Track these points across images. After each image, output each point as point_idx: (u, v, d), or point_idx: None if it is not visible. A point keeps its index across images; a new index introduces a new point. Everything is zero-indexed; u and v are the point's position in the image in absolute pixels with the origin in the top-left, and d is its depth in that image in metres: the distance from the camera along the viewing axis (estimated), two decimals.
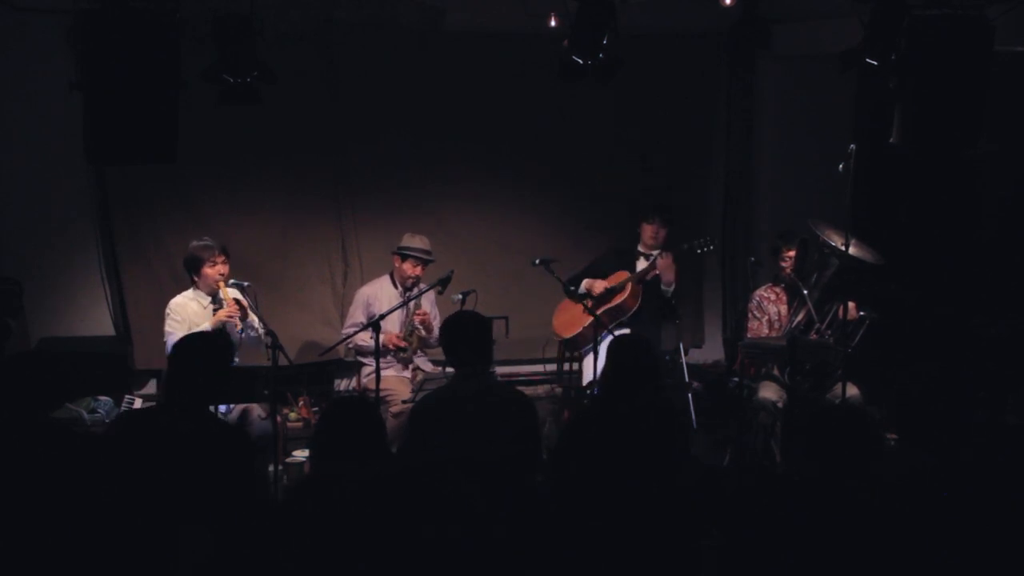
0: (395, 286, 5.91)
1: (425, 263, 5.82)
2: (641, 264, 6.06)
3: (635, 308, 5.95)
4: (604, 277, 6.08)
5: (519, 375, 6.81)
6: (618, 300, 5.94)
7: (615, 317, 5.93)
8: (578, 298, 5.86)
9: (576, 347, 6.10)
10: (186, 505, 3.12)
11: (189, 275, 5.52)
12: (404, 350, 5.84)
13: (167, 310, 5.45)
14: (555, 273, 5.80)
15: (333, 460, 3.01)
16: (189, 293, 5.51)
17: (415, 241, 5.83)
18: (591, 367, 5.67)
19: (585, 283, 6.07)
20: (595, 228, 6.99)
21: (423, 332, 5.83)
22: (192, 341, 3.65)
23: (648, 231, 6.06)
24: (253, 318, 5.43)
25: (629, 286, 5.93)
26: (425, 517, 2.68)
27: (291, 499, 3.16)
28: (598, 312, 5.81)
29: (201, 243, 5.48)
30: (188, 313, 5.41)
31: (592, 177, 7.04)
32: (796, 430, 5.30)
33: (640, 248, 6.14)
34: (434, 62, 6.71)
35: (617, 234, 6.58)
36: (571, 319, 6.06)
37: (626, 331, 5.75)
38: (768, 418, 5.35)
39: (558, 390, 6.41)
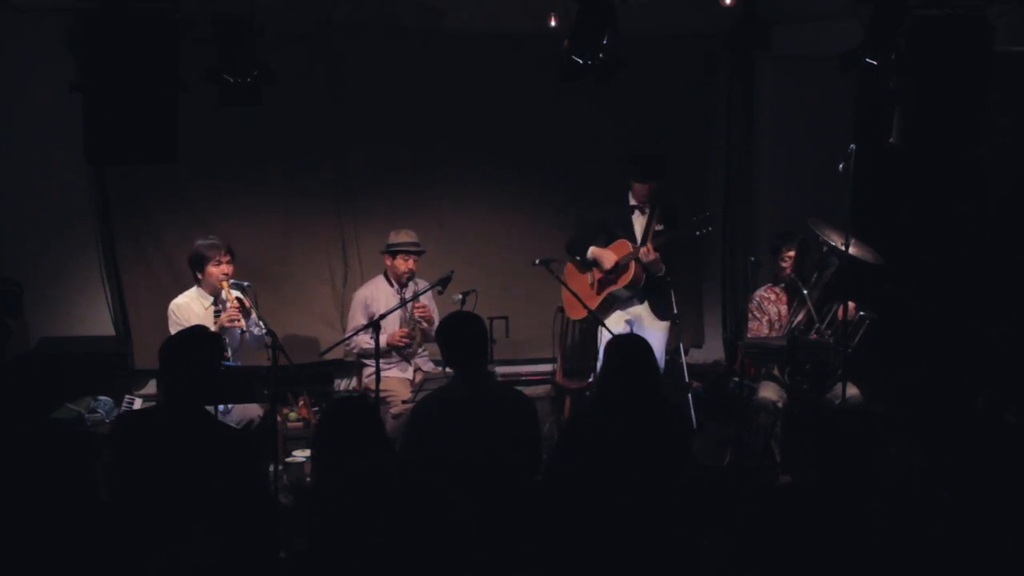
0: (391, 284, 5.91)
1: (416, 255, 5.81)
2: (637, 217, 5.87)
3: (642, 280, 5.81)
4: (606, 243, 5.90)
5: (519, 375, 6.81)
6: (624, 281, 5.82)
7: (624, 294, 5.86)
8: (586, 266, 5.87)
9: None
10: (190, 507, 3.12)
11: (192, 273, 5.47)
12: (408, 346, 5.84)
13: (170, 312, 5.39)
14: (555, 273, 5.79)
15: (334, 460, 3.01)
16: (192, 293, 5.47)
17: (400, 236, 5.83)
18: None
19: (593, 251, 5.90)
20: None
21: (424, 324, 5.83)
22: (177, 340, 3.58)
23: (639, 189, 5.85)
24: (255, 317, 5.42)
25: (632, 265, 5.78)
26: (425, 517, 2.68)
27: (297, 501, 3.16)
28: (606, 292, 5.81)
29: (208, 241, 5.44)
30: (190, 316, 5.33)
31: (592, 177, 7.02)
32: (798, 434, 5.31)
33: (633, 202, 5.91)
34: (434, 62, 6.70)
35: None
36: (580, 296, 5.87)
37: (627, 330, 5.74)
38: (768, 418, 5.35)
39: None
